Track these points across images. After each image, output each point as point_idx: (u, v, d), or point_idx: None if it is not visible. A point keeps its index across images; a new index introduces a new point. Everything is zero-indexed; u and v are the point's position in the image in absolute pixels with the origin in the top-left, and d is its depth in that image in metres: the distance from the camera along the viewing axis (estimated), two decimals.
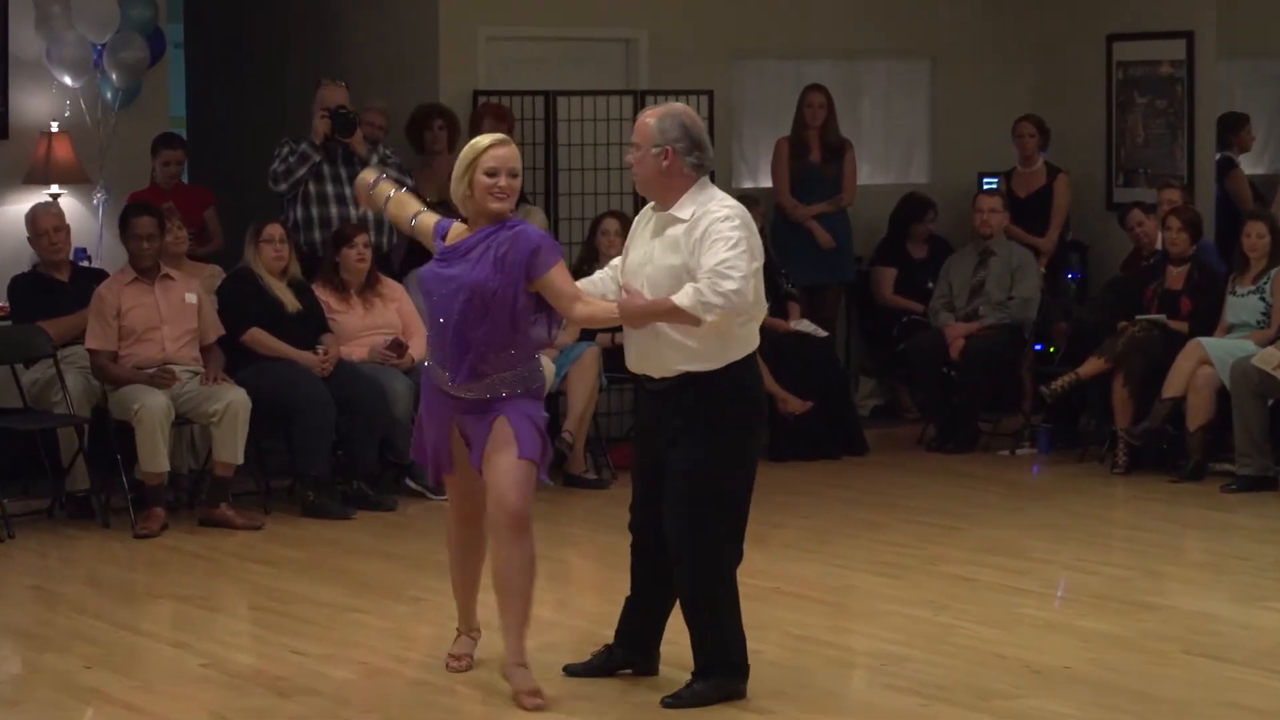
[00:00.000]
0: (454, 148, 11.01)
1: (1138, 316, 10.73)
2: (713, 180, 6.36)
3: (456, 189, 6.33)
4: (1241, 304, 10.52)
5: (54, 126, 10.52)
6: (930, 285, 11.85)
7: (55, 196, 10.45)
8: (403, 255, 10.78)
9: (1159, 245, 11.09)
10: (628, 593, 6.55)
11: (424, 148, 11.09)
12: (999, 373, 11.47)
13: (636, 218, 6.46)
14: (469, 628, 6.76)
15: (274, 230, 9.79)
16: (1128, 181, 12.59)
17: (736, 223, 6.11)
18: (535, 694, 6.26)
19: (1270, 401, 10.08)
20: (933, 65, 12.93)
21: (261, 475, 9.79)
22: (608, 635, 6.63)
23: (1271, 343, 10.18)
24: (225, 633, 7.50)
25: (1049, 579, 8.19)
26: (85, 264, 10.29)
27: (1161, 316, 10.70)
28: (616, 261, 6.51)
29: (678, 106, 6.31)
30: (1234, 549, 8.93)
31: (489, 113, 10.77)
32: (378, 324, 10.05)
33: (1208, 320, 10.58)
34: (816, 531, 9.11)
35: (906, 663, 6.77)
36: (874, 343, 12.35)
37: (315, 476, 9.56)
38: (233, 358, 9.61)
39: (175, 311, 9.45)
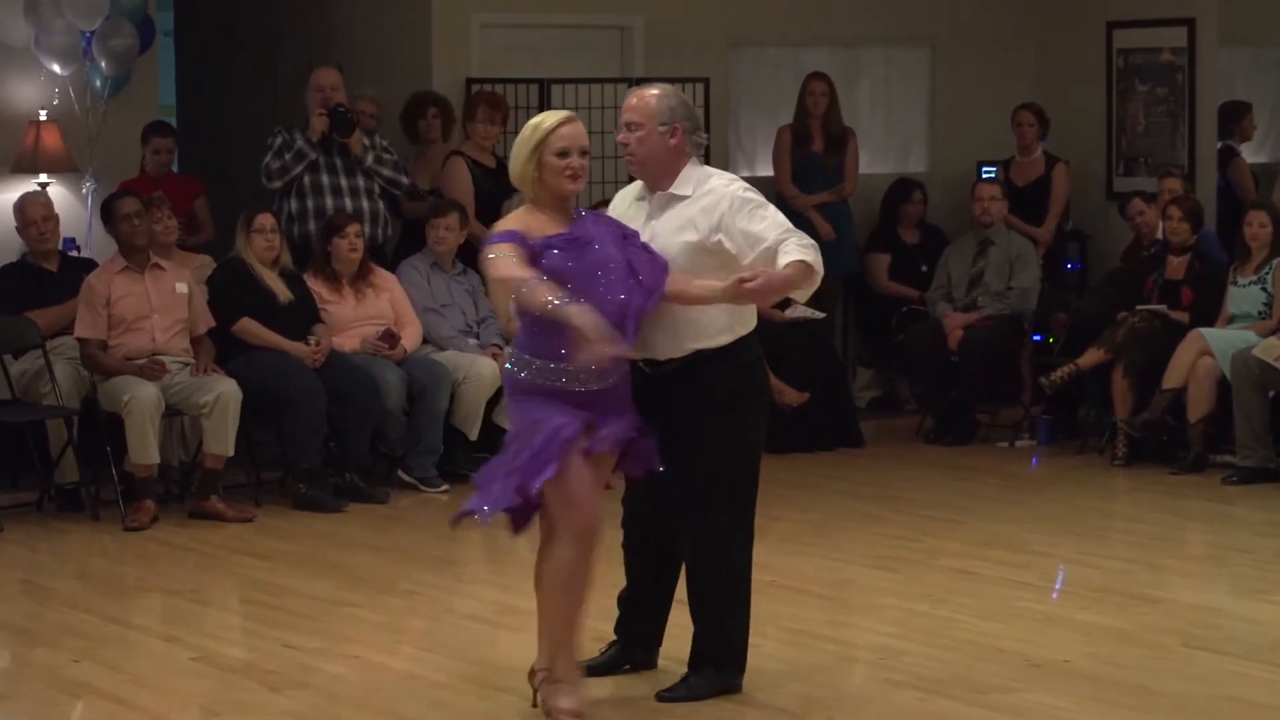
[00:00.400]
0: (448, 136, 10.96)
1: (1138, 307, 10.68)
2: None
3: (523, 171, 5.95)
4: (1243, 294, 10.46)
5: (42, 115, 10.47)
6: (924, 269, 11.79)
7: (44, 186, 10.42)
8: (395, 244, 10.72)
9: (1159, 235, 11.04)
10: (624, 590, 6.47)
11: (418, 136, 11.02)
12: (998, 364, 11.41)
13: (613, 204, 6.32)
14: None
15: (265, 220, 9.71)
16: (1128, 170, 12.52)
17: (749, 187, 6.10)
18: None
19: (1271, 393, 10.02)
20: (932, 53, 12.86)
21: (252, 467, 9.74)
22: (608, 631, 6.56)
23: (1273, 333, 10.13)
24: (216, 626, 7.45)
25: (1048, 572, 8.14)
26: (74, 254, 10.24)
27: (1162, 307, 10.65)
28: None
29: (669, 87, 6.24)
30: (1235, 541, 8.90)
31: (483, 101, 10.70)
32: (370, 315, 9.97)
33: (1209, 311, 10.53)
34: (814, 524, 9.06)
35: (905, 656, 6.72)
36: (872, 333, 12.29)
37: (307, 468, 9.50)
38: (223, 348, 9.54)
39: (166, 301, 9.38)
